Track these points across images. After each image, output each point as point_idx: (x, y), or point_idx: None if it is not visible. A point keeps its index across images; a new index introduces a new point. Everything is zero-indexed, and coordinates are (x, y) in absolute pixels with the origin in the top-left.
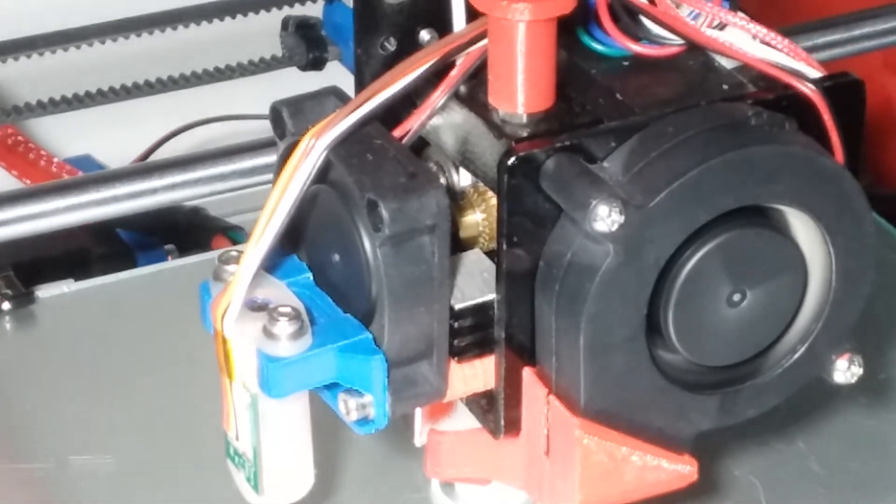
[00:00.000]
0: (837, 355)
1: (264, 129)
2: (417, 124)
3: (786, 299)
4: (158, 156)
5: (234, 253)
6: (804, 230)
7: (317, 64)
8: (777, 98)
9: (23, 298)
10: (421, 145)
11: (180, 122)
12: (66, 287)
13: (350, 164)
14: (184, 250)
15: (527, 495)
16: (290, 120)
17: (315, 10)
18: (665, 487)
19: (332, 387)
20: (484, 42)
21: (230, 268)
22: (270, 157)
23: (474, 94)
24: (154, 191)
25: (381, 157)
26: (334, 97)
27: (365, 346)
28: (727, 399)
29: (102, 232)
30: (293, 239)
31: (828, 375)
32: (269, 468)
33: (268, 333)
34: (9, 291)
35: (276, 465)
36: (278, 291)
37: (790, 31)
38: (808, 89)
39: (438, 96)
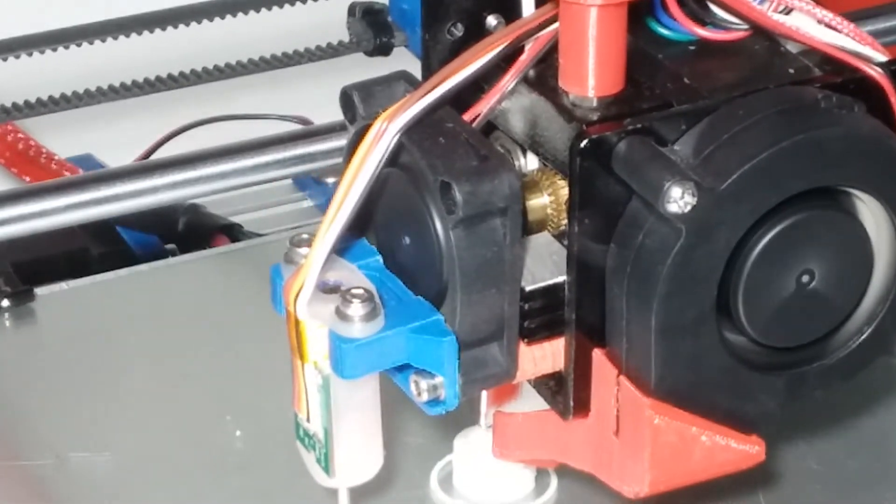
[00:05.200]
0: None
1: (265, 128)
2: (487, 108)
3: (853, 281)
4: (159, 156)
5: (306, 236)
6: (871, 212)
7: (383, 49)
8: (844, 81)
9: (22, 296)
10: (487, 130)
11: (181, 121)
12: (65, 284)
13: (422, 147)
14: (183, 248)
15: (529, 489)
16: (360, 104)
17: None
18: (733, 467)
19: (403, 368)
20: (553, 26)
21: (302, 250)
22: (271, 156)
23: (543, 78)
24: (155, 189)
25: (453, 141)
26: (404, 82)
27: (436, 327)
28: (794, 380)
29: (104, 233)
30: (362, 222)
31: (894, 357)
32: (340, 449)
33: (341, 315)
34: (8, 288)
35: (347, 446)
36: (350, 274)
37: None
38: (875, 72)
39: (509, 80)
